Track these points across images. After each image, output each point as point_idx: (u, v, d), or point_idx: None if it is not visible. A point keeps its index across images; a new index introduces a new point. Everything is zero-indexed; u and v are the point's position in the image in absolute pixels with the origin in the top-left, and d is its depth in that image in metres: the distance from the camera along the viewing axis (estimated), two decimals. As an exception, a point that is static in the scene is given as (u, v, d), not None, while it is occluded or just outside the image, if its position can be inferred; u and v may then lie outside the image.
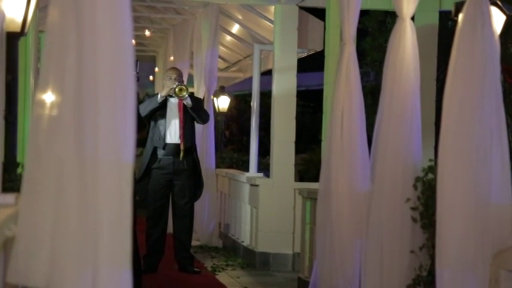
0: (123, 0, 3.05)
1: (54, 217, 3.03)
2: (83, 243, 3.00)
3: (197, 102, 9.17)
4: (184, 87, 8.90)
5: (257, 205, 9.67)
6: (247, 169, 11.16)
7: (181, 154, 8.94)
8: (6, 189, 4.49)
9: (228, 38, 13.49)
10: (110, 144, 3.01)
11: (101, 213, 3.02)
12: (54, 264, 3.02)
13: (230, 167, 13.14)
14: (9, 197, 3.71)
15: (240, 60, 14.53)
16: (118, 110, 3.01)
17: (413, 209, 5.40)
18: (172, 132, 9.00)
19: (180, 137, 8.96)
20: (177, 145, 8.96)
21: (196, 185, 9.13)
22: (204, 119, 9.28)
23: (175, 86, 8.86)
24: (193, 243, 10.37)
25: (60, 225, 3.03)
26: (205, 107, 10.35)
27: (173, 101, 9.02)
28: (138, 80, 8.38)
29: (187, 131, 9.03)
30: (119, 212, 3.03)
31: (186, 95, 8.88)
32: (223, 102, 17.45)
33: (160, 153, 8.98)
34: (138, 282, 6.95)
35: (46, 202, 3.05)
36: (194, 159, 9.11)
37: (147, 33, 15.08)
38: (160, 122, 8.98)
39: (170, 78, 9.00)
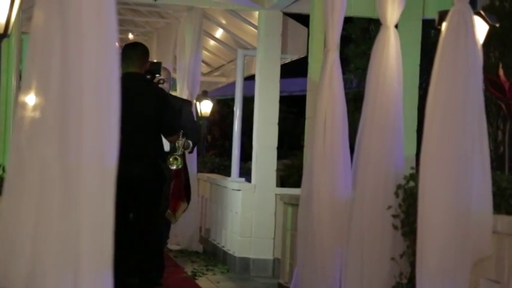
0: (109, 4, 3.04)
1: (36, 220, 3.02)
2: (64, 246, 2.99)
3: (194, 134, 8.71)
4: (178, 158, 7.88)
5: (238, 210, 9.66)
6: (228, 174, 11.14)
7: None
8: (-14, 191, 4.46)
9: (212, 42, 13.47)
10: (93, 148, 3.00)
11: (82, 217, 3.00)
12: (34, 266, 3.01)
13: (212, 171, 13.11)
14: (-10, 199, 3.69)
15: (223, 65, 14.51)
16: (102, 113, 3.00)
17: (394, 216, 5.41)
18: None
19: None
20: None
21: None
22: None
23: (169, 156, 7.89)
24: (174, 247, 10.35)
25: (42, 227, 3.01)
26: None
27: None
28: (163, 82, 8.01)
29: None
30: (101, 215, 3.02)
31: (180, 166, 7.97)
32: (205, 107, 17.43)
33: None
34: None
35: (28, 204, 3.03)
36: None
37: (131, 36, 15.05)
38: None
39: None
